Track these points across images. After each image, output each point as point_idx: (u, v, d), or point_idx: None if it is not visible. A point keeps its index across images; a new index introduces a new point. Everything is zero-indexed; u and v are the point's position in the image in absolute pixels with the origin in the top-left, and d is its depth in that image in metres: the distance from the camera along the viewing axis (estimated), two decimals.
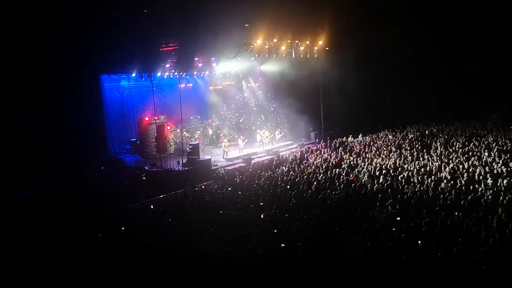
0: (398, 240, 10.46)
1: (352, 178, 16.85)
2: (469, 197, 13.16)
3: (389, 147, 22.56)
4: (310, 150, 24.12)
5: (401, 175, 16.54)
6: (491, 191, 13.69)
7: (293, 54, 26.91)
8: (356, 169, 18.38)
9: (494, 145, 21.03)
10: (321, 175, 17.58)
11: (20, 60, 17.35)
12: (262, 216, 12.64)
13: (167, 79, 25.36)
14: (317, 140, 28.65)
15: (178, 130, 25.24)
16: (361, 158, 20.39)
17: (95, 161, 20.76)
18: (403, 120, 31.82)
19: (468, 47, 32.79)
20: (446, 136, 24.80)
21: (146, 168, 21.79)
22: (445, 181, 15.44)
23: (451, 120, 31.56)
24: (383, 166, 18.18)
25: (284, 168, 19.68)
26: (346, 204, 13.75)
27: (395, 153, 20.83)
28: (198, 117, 28.59)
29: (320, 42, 28.38)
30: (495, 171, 15.90)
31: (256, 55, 24.85)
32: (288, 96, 29.06)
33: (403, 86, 35.08)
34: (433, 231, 10.70)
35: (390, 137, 26.27)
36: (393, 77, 35.00)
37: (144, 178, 19.80)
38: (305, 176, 17.38)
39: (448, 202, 12.99)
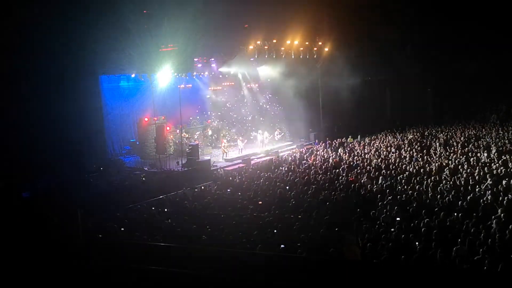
0: (397, 240, 10.47)
1: (351, 179, 16.86)
2: (468, 197, 13.17)
3: (388, 148, 22.58)
4: (309, 150, 24.14)
5: (401, 176, 16.56)
6: (490, 191, 13.71)
7: (293, 54, 26.96)
8: (355, 170, 18.39)
9: (493, 145, 21.07)
10: (321, 175, 17.60)
11: (20, 61, 17.35)
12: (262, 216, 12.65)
13: (167, 80, 25.35)
14: (316, 140, 28.67)
15: (178, 131, 25.24)
16: (361, 159, 20.41)
17: (94, 162, 20.75)
18: (402, 120, 31.89)
19: (468, 47, 32.88)
20: (445, 137, 24.83)
21: (146, 168, 21.78)
22: (444, 181, 15.47)
23: (450, 120, 31.62)
24: (383, 166, 18.20)
25: (283, 168, 19.69)
26: (345, 204, 13.77)
27: (395, 154, 20.85)
28: (198, 117, 28.61)
29: (320, 43, 28.45)
30: (494, 172, 15.92)
31: (256, 56, 24.91)
32: (288, 96, 29.11)
33: (403, 87, 35.16)
34: (432, 231, 10.71)
35: (390, 137, 26.29)
36: (393, 78, 35.09)
37: (143, 179, 19.82)
38: (304, 177, 17.38)
39: (447, 202, 13.01)
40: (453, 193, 13.78)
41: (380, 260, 9.51)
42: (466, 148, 20.95)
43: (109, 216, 13.96)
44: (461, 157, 19.10)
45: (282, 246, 10.43)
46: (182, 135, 24.89)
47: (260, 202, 14.25)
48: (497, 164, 16.98)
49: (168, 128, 25.38)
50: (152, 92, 23.51)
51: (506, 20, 30.84)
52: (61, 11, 17.33)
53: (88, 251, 9.64)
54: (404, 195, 14.05)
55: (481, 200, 13.00)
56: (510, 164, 16.85)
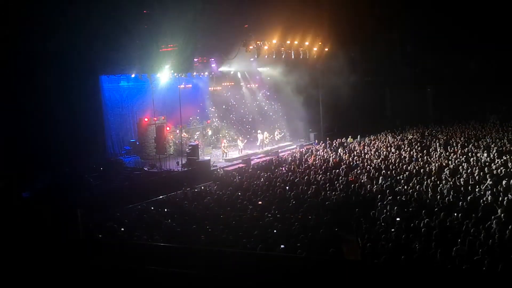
0: (397, 240, 10.47)
1: (351, 179, 16.87)
2: (468, 198, 13.18)
3: (388, 148, 22.58)
4: (309, 150, 24.14)
5: (401, 176, 16.56)
6: (490, 192, 13.72)
7: (292, 55, 26.95)
8: (355, 170, 18.40)
9: (493, 146, 21.07)
10: (321, 175, 17.60)
11: (20, 61, 17.34)
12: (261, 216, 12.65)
13: (166, 80, 25.34)
14: (316, 141, 28.66)
15: (178, 131, 25.23)
16: (361, 159, 20.41)
17: (94, 162, 20.74)
18: (402, 121, 31.88)
19: (467, 47, 32.86)
20: (445, 137, 24.83)
21: (146, 168, 21.77)
22: (444, 182, 15.47)
23: (450, 121, 31.63)
24: (383, 166, 18.20)
25: (283, 168, 19.69)
26: (345, 205, 13.77)
27: (395, 154, 20.85)
28: (198, 118, 28.59)
29: (320, 43, 28.43)
30: (494, 172, 15.92)
31: (256, 56, 24.89)
32: (287, 96, 29.11)
33: (403, 87, 35.17)
34: (432, 231, 10.72)
35: (390, 138, 26.29)
36: (393, 78, 35.09)
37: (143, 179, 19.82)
38: (304, 177, 17.39)
39: (447, 203, 13.01)
40: (453, 193, 13.80)
41: (380, 260, 9.51)
42: (466, 148, 20.95)
43: (109, 216, 13.96)
44: (461, 157, 19.11)
45: (282, 246, 10.43)
46: (182, 135, 24.88)
47: (260, 202, 14.26)
48: (497, 164, 16.99)
49: (168, 128, 25.37)
50: (152, 92, 23.49)
51: (506, 20, 30.83)
52: (61, 10, 17.30)
53: (88, 251, 9.64)
54: (404, 195, 14.06)
55: (481, 201, 13.01)
56: (510, 164, 16.86)
